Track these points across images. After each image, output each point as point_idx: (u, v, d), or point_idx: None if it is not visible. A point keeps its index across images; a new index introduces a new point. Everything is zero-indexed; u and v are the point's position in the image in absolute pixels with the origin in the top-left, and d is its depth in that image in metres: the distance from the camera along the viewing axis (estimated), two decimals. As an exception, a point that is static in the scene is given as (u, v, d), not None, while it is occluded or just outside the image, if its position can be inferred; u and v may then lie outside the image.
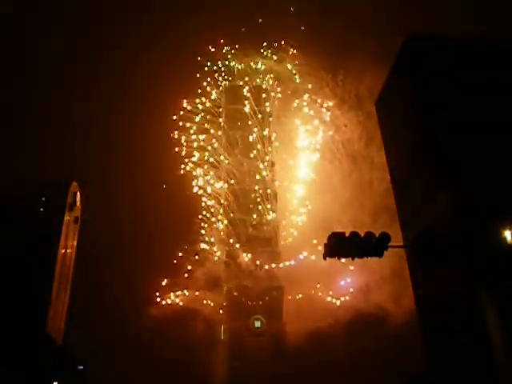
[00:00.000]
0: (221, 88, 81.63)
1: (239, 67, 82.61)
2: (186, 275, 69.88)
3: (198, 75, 79.65)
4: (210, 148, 76.68)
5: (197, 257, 69.70)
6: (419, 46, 42.34)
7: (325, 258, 17.71)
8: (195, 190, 74.05)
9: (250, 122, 77.28)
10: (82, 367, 54.36)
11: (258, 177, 74.30)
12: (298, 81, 78.74)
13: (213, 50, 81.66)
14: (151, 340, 64.55)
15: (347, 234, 17.62)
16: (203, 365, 62.20)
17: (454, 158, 37.09)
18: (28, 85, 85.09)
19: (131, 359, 63.22)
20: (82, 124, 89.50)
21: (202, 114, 78.93)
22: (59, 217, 64.61)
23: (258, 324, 66.06)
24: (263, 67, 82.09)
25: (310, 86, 76.87)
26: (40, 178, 68.75)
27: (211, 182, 74.80)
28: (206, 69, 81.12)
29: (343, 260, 18.16)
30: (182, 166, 74.79)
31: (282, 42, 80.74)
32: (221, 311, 68.09)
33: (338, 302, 69.37)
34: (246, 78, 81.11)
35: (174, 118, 76.19)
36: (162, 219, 75.24)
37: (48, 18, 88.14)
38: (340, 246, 17.48)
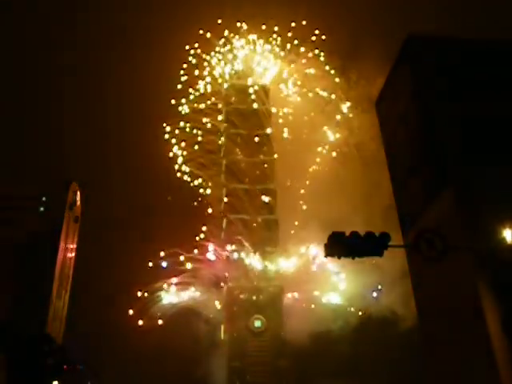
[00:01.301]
0: (221, 80, 79.71)
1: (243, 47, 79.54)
2: (170, 283, 66.83)
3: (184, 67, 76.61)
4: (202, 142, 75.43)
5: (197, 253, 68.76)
6: (419, 46, 42.33)
7: (325, 258, 17.79)
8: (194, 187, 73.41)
9: (254, 119, 76.19)
10: (81, 367, 54.39)
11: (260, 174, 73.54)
12: (333, 74, 74.90)
13: (208, 34, 78.11)
14: (151, 341, 64.48)
15: (347, 234, 17.63)
16: (203, 365, 62.16)
17: (455, 157, 37.06)
18: (28, 85, 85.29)
19: (131, 359, 63.23)
20: (81, 125, 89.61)
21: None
22: (59, 216, 64.70)
23: (258, 324, 66.00)
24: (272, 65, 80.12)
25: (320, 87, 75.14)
26: (40, 178, 68.76)
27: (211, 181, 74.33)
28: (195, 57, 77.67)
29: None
30: (179, 164, 73.96)
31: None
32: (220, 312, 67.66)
33: (360, 313, 65.13)
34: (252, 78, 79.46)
35: (164, 124, 73.53)
36: (160, 219, 75.15)
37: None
38: (340, 245, 17.49)
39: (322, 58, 75.33)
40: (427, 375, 40.07)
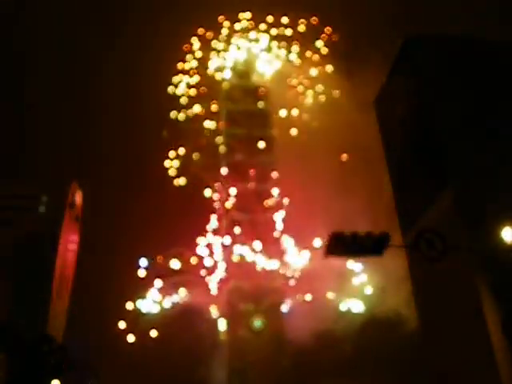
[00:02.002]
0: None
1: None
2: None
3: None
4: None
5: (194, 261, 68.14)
6: (419, 46, 42.45)
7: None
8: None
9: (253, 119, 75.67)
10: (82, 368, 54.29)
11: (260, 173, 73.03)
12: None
13: (208, 34, 75.21)
14: (150, 341, 64.37)
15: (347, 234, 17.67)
16: (203, 365, 62.11)
17: (454, 157, 37.14)
18: (27, 85, 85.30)
19: (131, 359, 63.11)
20: (81, 125, 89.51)
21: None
22: (59, 216, 64.67)
23: (258, 324, 66.00)
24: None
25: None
26: (40, 178, 68.63)
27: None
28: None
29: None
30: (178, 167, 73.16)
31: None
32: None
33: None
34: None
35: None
36: (160, 220, 74.78)
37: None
38: (340, 245, 17.51)
39: (326, 56, 74.80)
40: (428, 375, 40.15)
